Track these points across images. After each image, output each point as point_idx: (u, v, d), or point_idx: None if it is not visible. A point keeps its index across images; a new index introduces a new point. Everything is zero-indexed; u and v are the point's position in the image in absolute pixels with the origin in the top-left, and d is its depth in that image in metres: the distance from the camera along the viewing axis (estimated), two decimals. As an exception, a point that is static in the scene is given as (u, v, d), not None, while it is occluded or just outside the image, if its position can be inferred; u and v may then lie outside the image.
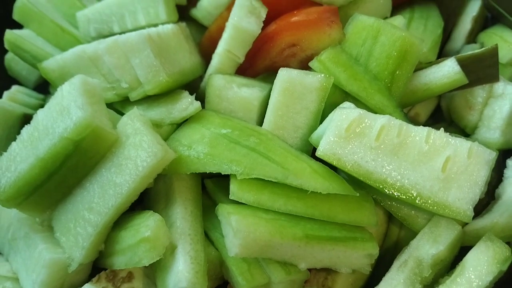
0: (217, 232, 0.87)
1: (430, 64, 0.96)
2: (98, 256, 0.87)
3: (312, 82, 0.86)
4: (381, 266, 0.87)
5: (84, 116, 0.79)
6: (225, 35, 0.94)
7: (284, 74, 0.87)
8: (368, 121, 0.79)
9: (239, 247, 0.77)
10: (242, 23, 0.92)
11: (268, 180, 0.81)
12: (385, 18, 1.01)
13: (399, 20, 0.96)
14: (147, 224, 0.79)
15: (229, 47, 0.94)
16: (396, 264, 0.84)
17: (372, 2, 1.00)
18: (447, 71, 0.92)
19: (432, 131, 0.79)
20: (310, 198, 0.80)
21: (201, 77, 1.04)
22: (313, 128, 0.87)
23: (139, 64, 0.89)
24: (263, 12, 0.94)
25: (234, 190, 0.81)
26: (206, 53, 1.06)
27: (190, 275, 0.77)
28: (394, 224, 0.92)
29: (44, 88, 1.18)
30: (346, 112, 0.79)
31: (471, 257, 0.79)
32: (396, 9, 1.07)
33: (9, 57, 1.21)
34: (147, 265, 0.78)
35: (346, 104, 0.83)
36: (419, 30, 1.02)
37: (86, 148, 0.81)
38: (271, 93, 0.88)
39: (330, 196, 0.80)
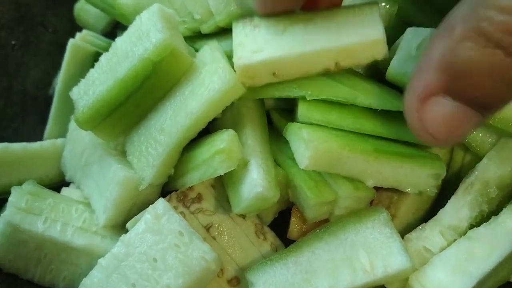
0: (284, 154, 0.90)
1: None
2: (168, 181, 0.92)
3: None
4: (446, 192, 0.88)
5: (164, 38, 0.83)
6: None
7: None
8: None
9: (309, 158, 0.79)
10: None
11: (337, 103, 0.84)
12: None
13: None
14: (221, 138, 0.83)
15: None
16: (462, 187, 0.85)
17: None
18: None
19: None
20: (378, 117, 0.83)
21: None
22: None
23: (211, -4, 0.94)
24: None
25: (303, 111, 0.84)
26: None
27: (264, 182, 0.80)
28: (459, 149, 0.93)
29: (111, 36, 1.24)
30: (416, 31, 0.81)
31: None
32: None
33: (78, 6, 1.28)
34: (222, 174, 0.81)
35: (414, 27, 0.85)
36: None
37: (164, 70, 0.85)
38: None
39: (398, 116, 0.83)
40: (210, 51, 0.88)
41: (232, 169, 0.81)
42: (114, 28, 1.26)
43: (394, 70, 0.82)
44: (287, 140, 0.93)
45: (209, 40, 0.98)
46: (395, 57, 0.82)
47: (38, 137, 1.17)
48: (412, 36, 0.81)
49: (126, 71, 0.86)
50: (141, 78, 0.85)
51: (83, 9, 1.26)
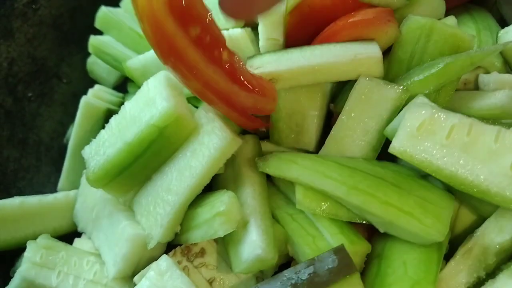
0: (282, 211, 0.95)
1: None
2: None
3: (389, 92, 0.94)
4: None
5: (168, 106, 0.89)
6: (260, 26, 1.04)
7: (364, 81, 0.95)
8: (439, 120, 0.84)
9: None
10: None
11: None
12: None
13: (451, 19, 1.03)
14: (221, 200, 0.88)
15: (267, 34, 1.04)
16: (461, 251, 0.87)
17: (426, 5, 1.06)
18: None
19: (502, 130, 0.83)
20: None
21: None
22: (382, 135, 0.94)
23: (214, 61, 1.00)
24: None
25: (300, 198, 0.90)
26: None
27: (264, 244, 0.85)
28: (465, 208, 0.94)
29: (121, 88, 1.31)
30: (418, 112, 0.85)
31: None
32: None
33: (90, 61, 1.35)
34: (222, 236, 0.86)
35: (420, 98, 0.89)
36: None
37: (169, 134, 0.91)
38: (349, 95, 0.96)
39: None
40: (204, 112, 0.95)
41: (232, 231, 0.86)
42: (126, 81, 1.32)
43: (396, 147, 0.85)
44: (286, 196, 0.99)
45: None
46: (396, 135, 0.84)
47: (53, 185, 1.23)
48: (413, 116, 0.84)
49: (134, 135, 0.92)
50: (148, 142, 0.91)
51: (96, 63, 1.33)
